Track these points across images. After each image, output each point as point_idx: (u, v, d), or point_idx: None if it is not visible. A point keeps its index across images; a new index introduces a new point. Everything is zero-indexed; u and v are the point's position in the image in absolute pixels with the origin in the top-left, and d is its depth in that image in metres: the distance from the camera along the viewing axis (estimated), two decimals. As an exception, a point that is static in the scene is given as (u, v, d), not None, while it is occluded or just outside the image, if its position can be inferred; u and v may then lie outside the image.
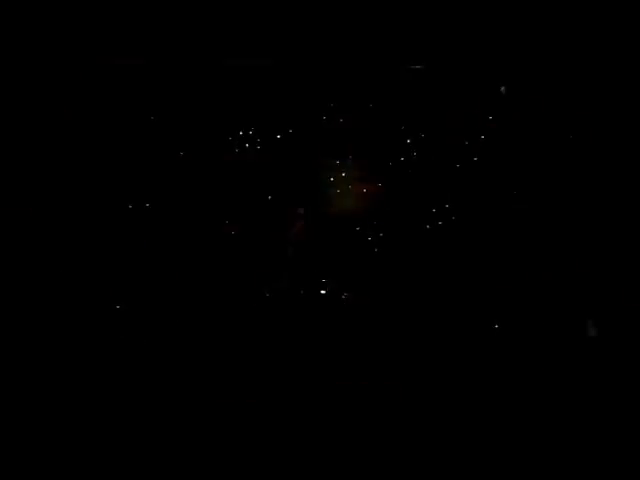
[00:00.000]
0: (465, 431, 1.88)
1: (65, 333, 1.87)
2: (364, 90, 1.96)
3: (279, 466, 1.81)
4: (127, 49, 1.96)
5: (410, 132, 1.95)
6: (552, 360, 1.97)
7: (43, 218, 1.91)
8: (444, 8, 1.95)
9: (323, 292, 1.95)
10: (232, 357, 1.90)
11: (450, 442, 1.87)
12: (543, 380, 1.95)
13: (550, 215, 2.00)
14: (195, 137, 2.00)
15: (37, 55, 1.90)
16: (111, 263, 1.92)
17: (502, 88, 1.87)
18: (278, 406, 1.88)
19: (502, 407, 1.92)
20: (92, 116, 1.95)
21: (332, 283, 1.94)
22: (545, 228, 1.99)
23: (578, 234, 1.98)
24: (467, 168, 1.95)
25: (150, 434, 1.86)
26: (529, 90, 1.94)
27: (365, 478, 1.82)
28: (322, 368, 1.92)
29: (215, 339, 1.91)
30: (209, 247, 1.96)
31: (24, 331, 1.87)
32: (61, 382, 1.86)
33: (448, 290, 1.95)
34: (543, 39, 1.98)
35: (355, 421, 1.88)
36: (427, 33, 1.95)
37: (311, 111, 1.98)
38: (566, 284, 1.97)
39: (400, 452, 1.86)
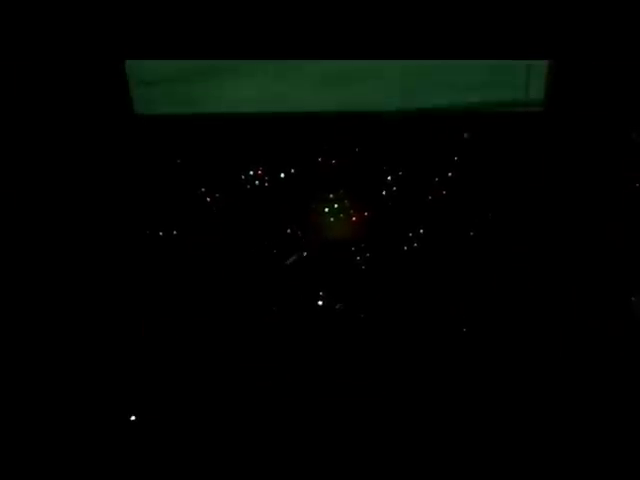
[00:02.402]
0: (465, 434, 2.08)
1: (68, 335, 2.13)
2: (351, 137, 2.27)
3: (279, 466, 2.04)
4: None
5: (390, 171, 2.29)
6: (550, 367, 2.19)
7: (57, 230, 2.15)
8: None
9: (320, 303, 2.31)
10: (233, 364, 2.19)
11: (450, 444, 2.06)
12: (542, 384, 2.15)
13: (522, 236, 2.31)
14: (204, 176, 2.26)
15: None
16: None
17: (465, 134, 2.24)
18: (277, 413, 2.15)
19: (501, 413, 2.12)
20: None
21: (327, 296, 2.30)
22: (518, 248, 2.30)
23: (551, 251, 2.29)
24: (437, 200, 2.28)
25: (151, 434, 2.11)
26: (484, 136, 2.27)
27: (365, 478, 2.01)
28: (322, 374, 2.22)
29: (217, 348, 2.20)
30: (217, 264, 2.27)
31: (24, 332, 2.10)
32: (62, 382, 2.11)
33: (426, 302, 2.29)
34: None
35: (354, 425, 2.12)
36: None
37: (308, 155, 2.29)
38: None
39: (400, 453, 2.06)
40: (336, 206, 2.29)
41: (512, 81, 2.19)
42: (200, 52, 2.01)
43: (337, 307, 2.28)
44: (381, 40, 1.98)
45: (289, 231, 2.31)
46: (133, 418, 2.14)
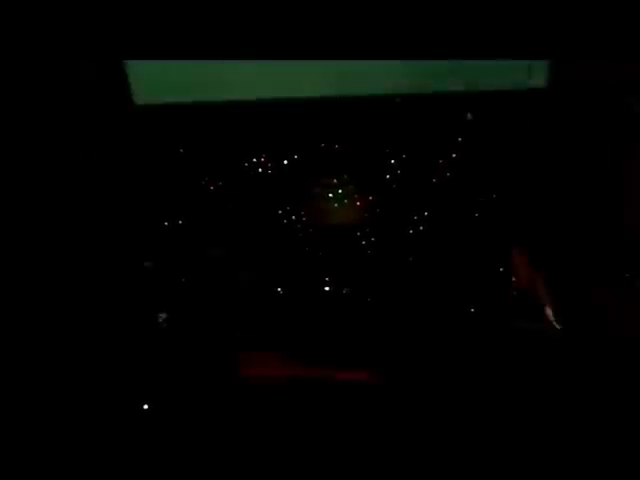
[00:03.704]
0: (465, 428, 2.06)
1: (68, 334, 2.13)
2: (353, 122, 2.26)
3: (279, 465, 2.02)
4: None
5: (393, 154, 2.28)
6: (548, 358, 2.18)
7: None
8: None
9: (327, 288, 2.32)
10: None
11: (450, 440, 2.04)
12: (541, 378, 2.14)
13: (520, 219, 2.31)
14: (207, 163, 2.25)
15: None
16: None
17: (468, 114, 2.23)
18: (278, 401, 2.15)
19: (501, 405, 2.10)
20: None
21: (334, 281, 2.31)
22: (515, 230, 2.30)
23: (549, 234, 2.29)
24: (441, 182, 2.28)
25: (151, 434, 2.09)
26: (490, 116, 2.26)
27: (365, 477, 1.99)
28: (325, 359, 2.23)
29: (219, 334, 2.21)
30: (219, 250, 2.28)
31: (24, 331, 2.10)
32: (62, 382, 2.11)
33: (427, 285, 2.30)
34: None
35: (355, 416, 2.15)
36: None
37: (312, 140, 2.28)
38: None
39: (399, 449, 2.05)
40: (340, 191, 2.28)
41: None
42: (199, 52, 2.01)
43: (344, 292, 2.29)
44: (382, 39, 1.98)
45: (294, 217, 2.31)
46: (146, 407, 2.16)
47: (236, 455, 2.08)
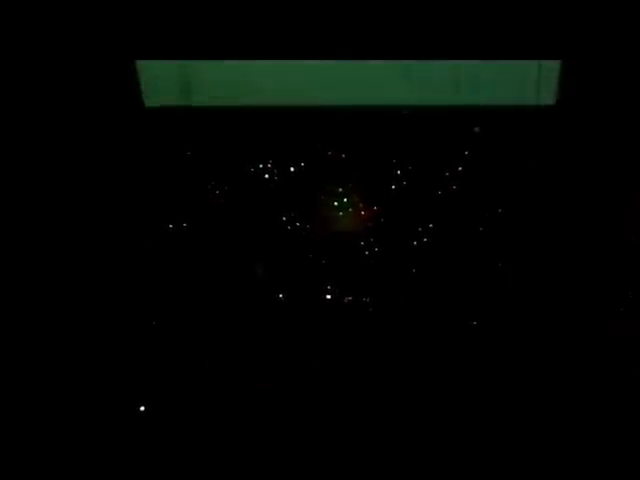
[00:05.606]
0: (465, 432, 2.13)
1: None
2: (362, 132, 2.26)
3: (279, 464, 2.08)
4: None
5: (399, 165, 2.28)
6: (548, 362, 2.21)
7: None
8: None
9: (328, 297, 2.32)
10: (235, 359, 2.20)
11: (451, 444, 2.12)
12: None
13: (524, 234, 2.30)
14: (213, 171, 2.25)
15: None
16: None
17: (476, 128, 2.23)
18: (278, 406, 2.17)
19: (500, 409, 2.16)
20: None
21: (335, 289, 2.31)
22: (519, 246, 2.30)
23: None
24: (446, 194, 2.28)
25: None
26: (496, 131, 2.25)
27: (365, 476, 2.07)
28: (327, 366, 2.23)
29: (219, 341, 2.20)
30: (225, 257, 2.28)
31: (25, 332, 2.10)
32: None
33: (431, 294, 2.29)
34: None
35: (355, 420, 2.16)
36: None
37: (318, 148, 2.28)
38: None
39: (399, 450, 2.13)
40: (345, 200, 2.28)
41: (524, 76, 2.17)
42: (207, 52, 2.01)
43: (346, 301, 2.29)
44: (388, 40, 1.97)
45: (298, 224, 2.31)
46: (142, 408, 2.17)
47: (234, 456, 2.09)
